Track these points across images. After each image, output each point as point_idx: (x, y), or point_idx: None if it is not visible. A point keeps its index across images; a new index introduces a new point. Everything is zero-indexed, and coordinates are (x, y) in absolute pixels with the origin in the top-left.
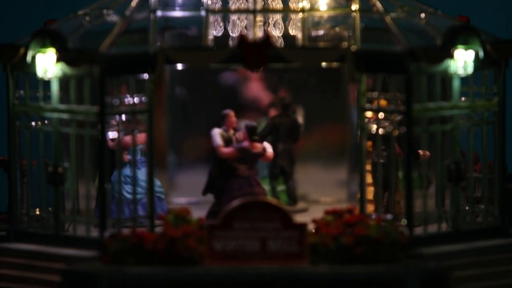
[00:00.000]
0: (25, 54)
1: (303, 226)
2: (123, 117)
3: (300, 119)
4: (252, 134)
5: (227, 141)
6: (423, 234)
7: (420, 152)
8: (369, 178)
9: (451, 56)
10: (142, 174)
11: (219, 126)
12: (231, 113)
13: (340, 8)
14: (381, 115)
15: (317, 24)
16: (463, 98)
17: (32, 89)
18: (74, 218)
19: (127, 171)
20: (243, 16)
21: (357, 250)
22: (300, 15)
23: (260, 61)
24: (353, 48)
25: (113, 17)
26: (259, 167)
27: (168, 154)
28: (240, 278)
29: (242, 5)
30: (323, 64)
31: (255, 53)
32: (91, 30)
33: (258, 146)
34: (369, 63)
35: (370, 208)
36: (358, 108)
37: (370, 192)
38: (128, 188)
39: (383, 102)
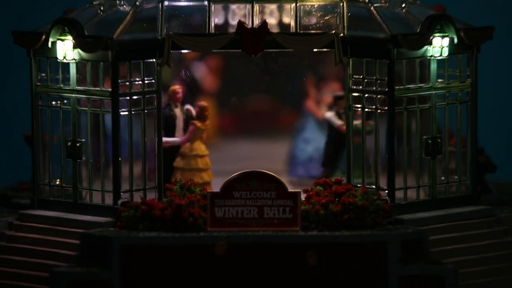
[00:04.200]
0: (46, 41)
1: (296, 195)
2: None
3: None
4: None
5: None
6: (403, 202)
7: None
8: None
9: (429, 42)
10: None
11: None
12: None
13: None
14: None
15: (308, 13)
16: (439, 80)
17: (53, 72)
18: (90, 188)
19: (305, 134)
20: (242, 6)
21: (344, 217)
22: (293, 4)
23: (258, 46)
24: (341, 35)
25: (125, 7)
26: None
27: None
28: (239, 242)
29: None
30: (314, 49)
31: (253, 39)
32: (105, 19)
33: None
34: (355, 48)
35: None
36: (346, 89)
37: None
38: (304, 147)
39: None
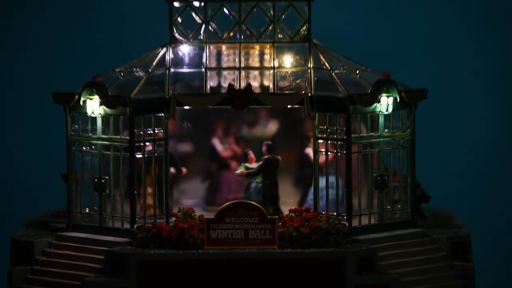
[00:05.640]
0: (79, 99)
1: (274, 220)
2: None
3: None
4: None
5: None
6: (358, 226)
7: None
8: None
9: (377, 100)
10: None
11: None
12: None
13: (299, 66)
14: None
15: (283, 78)
16: (386, 130)
17: (83, 124)
18: (112, 215)
19: (331, 179)
20: (231, 72)
21: (312, 237)
22: (272, 71)
23: (244, 104)
24: (309, 94)
25: (140, 73)
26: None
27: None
28: (229, 258)
29: (231, 64)
30: (288, 105)
31: (240, 98)
32: (124, 82)
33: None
34: (321, 105)
35: None
36: (313, 137)
37: None
38: (332, 191)
39: None
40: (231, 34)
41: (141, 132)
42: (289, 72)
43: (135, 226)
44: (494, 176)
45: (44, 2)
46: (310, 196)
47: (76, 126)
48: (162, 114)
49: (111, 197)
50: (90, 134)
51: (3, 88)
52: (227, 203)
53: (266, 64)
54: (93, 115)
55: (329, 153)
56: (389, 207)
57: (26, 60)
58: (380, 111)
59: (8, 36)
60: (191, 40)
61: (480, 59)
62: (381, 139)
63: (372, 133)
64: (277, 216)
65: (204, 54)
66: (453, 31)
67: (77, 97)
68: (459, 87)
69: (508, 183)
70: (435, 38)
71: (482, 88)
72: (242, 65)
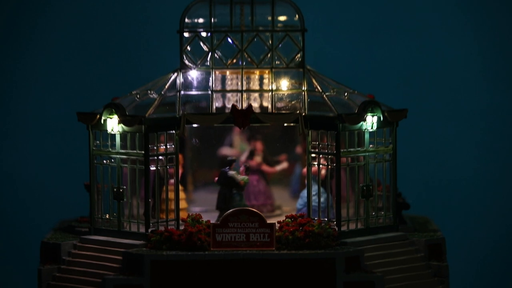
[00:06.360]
0: (100, 118)
1: (272, 225)
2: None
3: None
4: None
5: None
6: (346, 230)
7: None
8: None
9: (364, 119)
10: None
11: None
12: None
13: (294, 88)
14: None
15: (280, 99)
16: (371, 145)
17: (104, 140)
18: (129, 220)
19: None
20: (234, 94)
21: (306, 240)
22: (270, 93)
23: (245, 122)
24: (303, 114)
25: (154, 95)
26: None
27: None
28: (232, 258)
29: (234, 87)
30: (284, 124)
31: (242, 117)
32: (140, 103)
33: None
34: (313, 123)
35: None
36: (306, 151)
37: None
38: (301, 201)
39: None
40: (234, 60)
41: (155, 148)
42: (285, 94)
43: (149, 230)
44: (467, 185)
45: (70, 31)
46: (301, 203)
47: (98, 142)
48: (173, 132)
49: (128, 205)
50: (110, 149)
51: (37, 109)
52: (231, 210)
53: (265, 87)
54: (112, 132)
55: (320, 165)
56: (373, 213)
57: (52, 82)
58: (365, 129)
59: (37, 62)
60: (199, 66)
61: (463, 83)
62: (367, 154)
63: (359, 148)
64: (275, 222)
65: (211, 78)
66: (435, 55)
67: (98, 116)
68: (440, 105)
69: (480, 190)
70: (418, 62)
71: (463, 105)
72: (244, 88)
